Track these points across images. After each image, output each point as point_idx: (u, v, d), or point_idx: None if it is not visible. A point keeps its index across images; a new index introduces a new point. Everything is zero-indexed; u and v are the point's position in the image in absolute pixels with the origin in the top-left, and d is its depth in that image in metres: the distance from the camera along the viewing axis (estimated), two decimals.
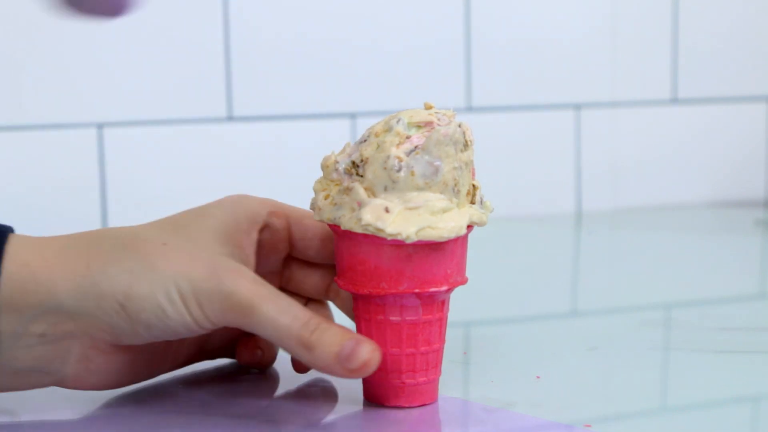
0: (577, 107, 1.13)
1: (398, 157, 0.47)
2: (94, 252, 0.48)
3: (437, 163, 0.47)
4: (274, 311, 0.47)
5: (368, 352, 0.47)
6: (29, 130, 0.95)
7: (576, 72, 1.12)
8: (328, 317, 0.56)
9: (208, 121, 1.01)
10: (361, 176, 0.48)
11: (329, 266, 0.55)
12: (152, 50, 0.98)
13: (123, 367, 0.50)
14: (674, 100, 1.16)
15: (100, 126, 0.97)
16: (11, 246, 0.47)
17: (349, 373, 0.47)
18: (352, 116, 1.04)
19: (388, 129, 0.48)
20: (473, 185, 0.50)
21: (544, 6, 1.11)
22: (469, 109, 1.08)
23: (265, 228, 0.53)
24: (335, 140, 1.04)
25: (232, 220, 0.52)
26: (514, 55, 1.10)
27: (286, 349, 0.48)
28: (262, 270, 0.53)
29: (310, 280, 0.55)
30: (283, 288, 0.55)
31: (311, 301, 0.56)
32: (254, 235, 0.53)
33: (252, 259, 0.52)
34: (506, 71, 1.10)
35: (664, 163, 1.17)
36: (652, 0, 1.15)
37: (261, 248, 0.53)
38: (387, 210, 0.47)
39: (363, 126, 1.03)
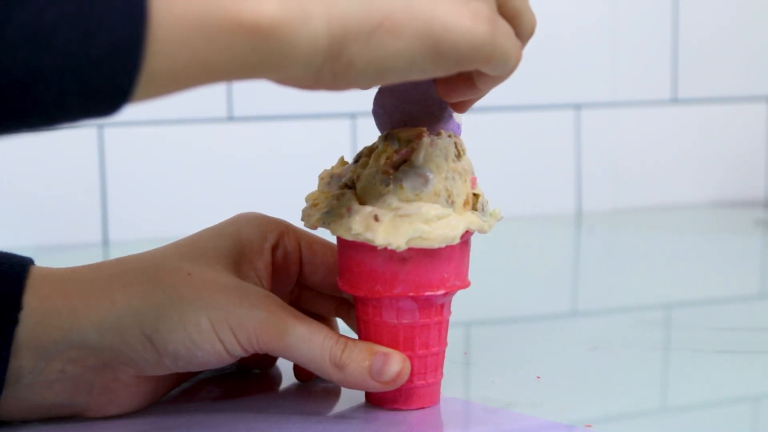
0: (577, 107, 1.13)
1: (386, 172, 0.47)
2: (118, 285, 0.47)
3: (427, 174, 0.47)
4: (307, 333, 0.47)
5: (399, 363, 0.48)
6: None
7: (576, 72, 1.13)
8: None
9: (208, 121, 1.01)
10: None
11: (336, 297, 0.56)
12: None
13: (146, 395, 0.50)
14: (674, 100, 1.16)
15: (100, 126, 0.97)
16: (32, 279, 0.47)
17: (383, 386, 0.48)
18: (352, 116, 1.04)
19: (378, 145, 0.48)
20: (474, 194, 0.49)
21: (544, 6, 1.11)
22: (470, 109, 1.07)
23: (276, 247, 0.53)
24: (335, 140, 1.04)
25: (246, 240, 0.52)
26: None
27: (316, 370, 0.48)
28: (275, 291, 0.53)
29: (320, 302, 0.56)
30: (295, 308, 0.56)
31: (319, 318, 0.56)
32: (267, 256, 0.52)
33: (267, 279, 0.52)
34: None
35: (664, 163, 1.17)
36: (652, 0, 1.15)
37: (274, 269, 0.53)
38: (376, 219, 0.47)
39: (363, 126, 1.03)
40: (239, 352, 0.47)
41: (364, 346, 0.48)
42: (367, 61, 0.39)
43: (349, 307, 0.56)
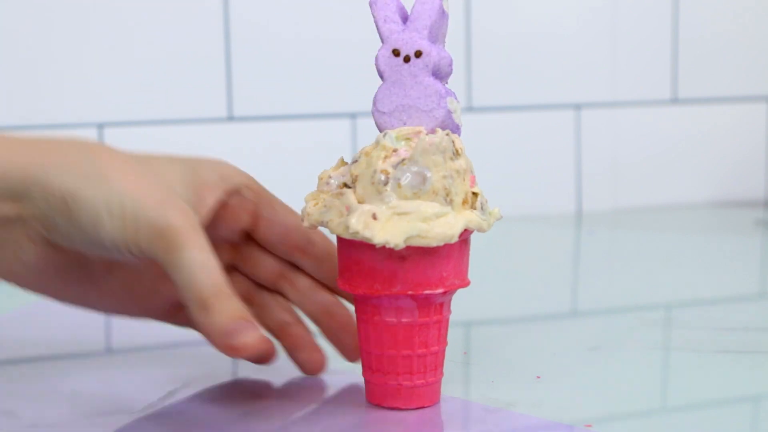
0: (577, 107, 1.13)
1: (384, 171, 0.47)
2: (56, 148, 0.48)
3: (425, 172, 0.47)
4: (197, 260, 0.46)
5: (254, 339, 0.46)
6: (30, 130, 0.95)
7: (576, 72, 1.12)
8: (280, 300, 0.55)
9: (208, 121, 1.01)
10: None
11: (285, 259, 0.54)
12: (153, 50, 0.98)
13: (51, 270, 0.49)
14: (674, 100, 1.16)
15: (100, 126, 0.97)
16: None
17: (228, 350, 0.46)
18: (352, 116, 1.04)
19: (376, 145, 0.48)
20: (473, 192, 0.49)
21: (544, 6, 1.11)
22: (470, 109, 1.08)
23: (234, 194, 0.53)
24: (335, 140, 1.04)
25: (203, 173, 0.52)
26: (514, 54, 1.10)
27: (185, 302, 0.47)
28: (218, 233, 0.53)
29: (265, 264, 0.55)
30: (236, 266, 0.55)
31: (261, 288, 0.55)
32: (219, 194, 0.52)
33: (206, 213, 0.51)
34: (506, 71, 1.10)
35: (664, 163, 1.17)
36: (652, 0, 1.15)
37: (224, 211, 0.53)
38: (375, 217, 0.47)
39: (363, 126, 1.03)
40: (134, 250, 0.47)
41: (239, 307, 0.46)
42: None
43: (295, 278, 0.54)
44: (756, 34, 1.19)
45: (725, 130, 1.19)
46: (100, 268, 0.51)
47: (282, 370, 0.57)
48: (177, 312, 0.54)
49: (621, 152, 1.15)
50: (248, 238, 0.55)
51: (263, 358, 0.48)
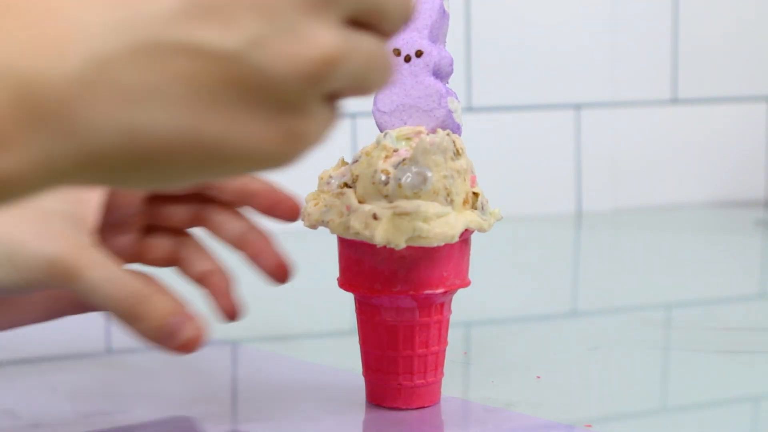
0: (577, 107, 1.13)
1: (384, 171, 0.47)
2: None
3: (425, 172, 0.47)
4: (100, 279, 0.44)
5: (193, 330, 0.44)
6: None
7: (576, 72, 1.12)
8: (202, 251, 0.53)
9: None
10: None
11: (195, 196, 0.52)
12: None
13: None
14: (674, 100, 1.16)
15: None
16: None
17: (175, 350, 0.44)
18: (353, 116, 1.04)
19: (377, 145, 0.48)
20: (474, 192, 0.49)
21: (544, 6, 1.11)
22: (470, 109, 1.08)
23: None
24: (335, 140, 1.04)
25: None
26: (514, 55, 1.10)
27: (116, 319, 0.45)
28: (120, 214, 0.51)
29: (179, 212, 0.52)
30: (152, 225, 0.53)
31: (182, 235, 0.53)
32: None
33: (92, 212, 0.48)
34: (506, 71, 1.10)
35: (664, 163, 1.17)
36: (652, 0, 1.15)
37: (114, 194, 0.50)
38: (375, 217, 0.47)
39: (363, 126, 1.03)
40: (27, 289, 0.45)
41: (169, 302, 0.44)
42: (132, 184, 0.33)
43: (207, 215, 0.52)
44: (756, 34, 1.19)
45: (725, 130, 1.19)
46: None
47: (282, 370, 0.57)
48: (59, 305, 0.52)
49: (621, 152, 1.15)
50: (153, 198, 0.52)
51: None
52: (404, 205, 0.47)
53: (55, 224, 0.45)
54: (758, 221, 1.09)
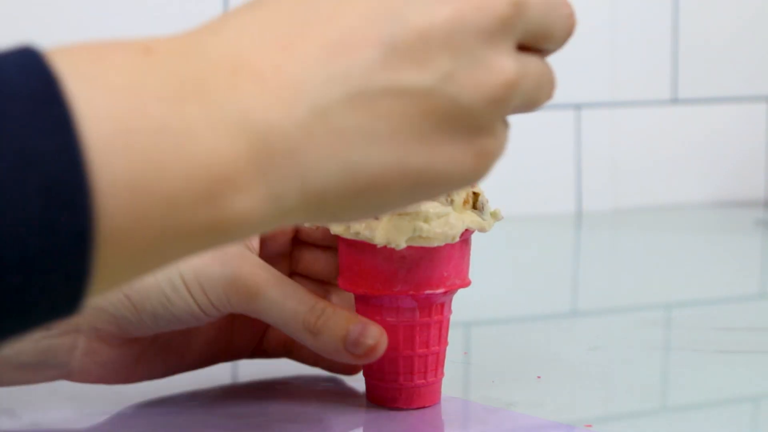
0: (577, 107, 1.13)
1: None
2: None
3: None
4: (279, 295, 0.47)
5: (375, 337, 0.47)
6: None
7: (576, 72, 1.12)
8: (343, 300, 0.55)
9: None
10: None
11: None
12: None
13: (131, 361, 0.49)
14: (674, 100, 1.16)
15: None
16: None
17: (356, 359, 0.47)
18: None
19: None
20: (474, 192, 0.49)
21: None
22: None
23: None
24: None
25: None
26: None
27: (292, 335, 0.48)
28: (269, 252, 0.53)
29: (320, 262, 0.54)
30: (293, 271, 0.54)
31: (324, 284, 0.54)
32: None
33: (255, 242, 0.51)
34: None
35: (664, 163, 1.17)
36: (652, 0, 1.15)
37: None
38: (376, 217, 0.47)
39: None
40: (213, 312, 0.47)
41: (343, 314, 0.47)
42: (348, 217, 0.36)
43: None
44: (756, 34, 1.19)
45: (725, 130, 1.19)
46: (178, 337, 0.51)
47: (282, 370, 0.57)
48: (267, 346, 0.54)
49: (621, 152, 1.15)
50: (298, 242, 0.54)
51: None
52: None
53: (232, 248, 0.48)
54: (758, 221, 1.09)
